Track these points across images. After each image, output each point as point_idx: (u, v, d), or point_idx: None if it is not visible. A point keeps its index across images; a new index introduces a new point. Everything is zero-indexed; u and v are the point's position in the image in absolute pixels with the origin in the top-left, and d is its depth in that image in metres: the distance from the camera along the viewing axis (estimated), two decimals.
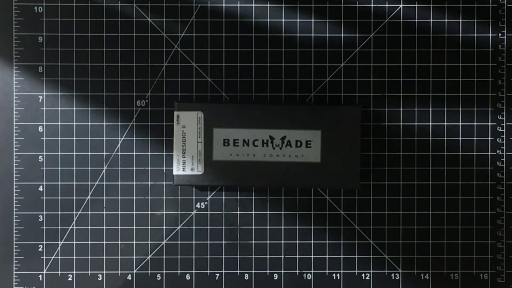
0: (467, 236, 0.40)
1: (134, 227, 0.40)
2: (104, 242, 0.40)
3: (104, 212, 0.40)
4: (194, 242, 0.40)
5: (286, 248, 0.40)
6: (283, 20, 0.40)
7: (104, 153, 0.40)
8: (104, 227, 0.40)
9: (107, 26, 0.40)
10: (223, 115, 0.38)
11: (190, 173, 0.38)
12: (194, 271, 0.40)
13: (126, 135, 0.40)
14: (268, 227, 0.40)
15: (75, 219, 0.40)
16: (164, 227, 0.40)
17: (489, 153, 0.40)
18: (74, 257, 0.40)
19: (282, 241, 0.40)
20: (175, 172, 0.38)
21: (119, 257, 0.40)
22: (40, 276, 0.40)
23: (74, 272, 0.40)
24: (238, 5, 0.40)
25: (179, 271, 0.40)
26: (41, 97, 0.40)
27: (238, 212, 0.40)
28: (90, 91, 0.40)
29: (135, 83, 0.40)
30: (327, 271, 0.40)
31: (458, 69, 0.40)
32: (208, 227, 0.40)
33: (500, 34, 0.40)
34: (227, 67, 0.40)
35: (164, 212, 0.40)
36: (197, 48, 0.40)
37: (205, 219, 0.40)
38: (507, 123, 0.40)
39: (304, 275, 0.40)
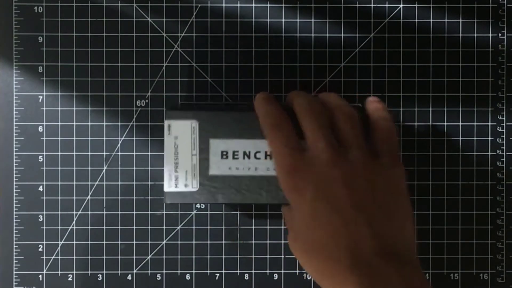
0: (467, 236, 0.40)
1: (134, 227, 0.40)
2: (104, 242, 0.40)
3: (104, 212, 0.40)
4: (194, 242, 0.40)
5: (286, 248, 0.40)
6: (283, 20, 0.40)
7: (104, 153, 0.40)
8: (104, 227, 0.40)
9: (107, 26, 0.40)
10: (220, 124, 0.34)
11: (183, 189, 0.34)
12: (194, 271, 0.40)
13: (126, 135, 0.40)
14: (268, 227, 0.40)
15: (75, 219, 0.40)
16: (164, 227, 0.40)
17: (489, 153, 0.40)
18: (74, 257, 0.40)
19: (282, 241, 0.40)
20: (166, 189, 0.34)
21: (119, 257, 0.40)
22: (40, 276, 0.40)
23: (74, 272, 0.40)
24: (238, 5, 0.40)
25: (179, 271, 0.40)
26: (41, 97, 0.40)
27: (238, 212, 0.40)
28: (90, 91, 0.40)
29: (135, 83, 0.40)
30: None
31: (458, 69, 0.40)
32: (208, 227, 0.40)
33: (500, 34, 0.40)
34: (227, 67, 0.40)
35: (164, 212, 0.40)
36: (197, 48, 0.40)
37: (205, 219, 0.40)
38: (507, 123, 0.40)
39: (304, 275, 0.40)
